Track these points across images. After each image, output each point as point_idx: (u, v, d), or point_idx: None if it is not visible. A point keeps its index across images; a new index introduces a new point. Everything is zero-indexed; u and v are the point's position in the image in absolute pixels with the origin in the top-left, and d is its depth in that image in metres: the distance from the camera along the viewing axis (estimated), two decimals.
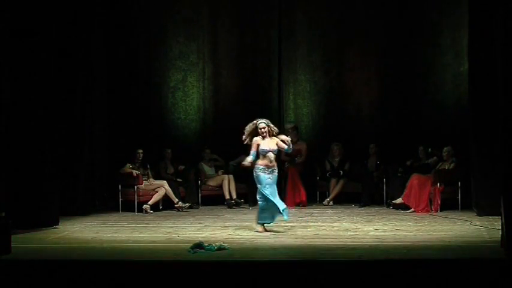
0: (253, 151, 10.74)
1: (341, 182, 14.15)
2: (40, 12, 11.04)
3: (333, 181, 14.16)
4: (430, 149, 13.43)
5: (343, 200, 14.13)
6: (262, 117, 10.97)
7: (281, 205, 10.71)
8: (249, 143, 10.83)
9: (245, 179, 13.95)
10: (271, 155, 10.76)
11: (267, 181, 10.67)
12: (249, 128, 10.85)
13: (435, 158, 13.28)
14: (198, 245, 9.17)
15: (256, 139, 10.75)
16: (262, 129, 10.76)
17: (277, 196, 10.81)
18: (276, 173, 10.81)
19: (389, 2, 14.73)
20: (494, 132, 10.61)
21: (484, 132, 11.80)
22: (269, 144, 10.76)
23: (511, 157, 8.66)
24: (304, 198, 13.85)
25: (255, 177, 10.79)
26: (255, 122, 10.87)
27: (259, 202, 10.76)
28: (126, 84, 14.77)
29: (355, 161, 14.32)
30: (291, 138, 14.35)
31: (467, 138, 12.50)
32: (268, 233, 10.59)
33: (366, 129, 14.88)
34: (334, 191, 14.14)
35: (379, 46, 14.87)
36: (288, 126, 14.41)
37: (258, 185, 10.72)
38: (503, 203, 8.75)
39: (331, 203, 14.03)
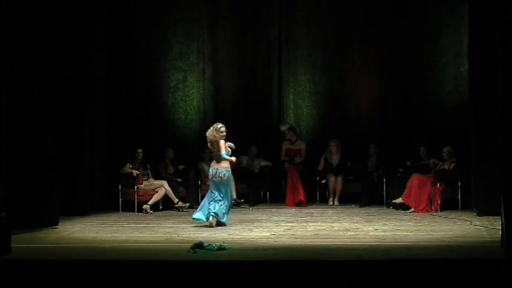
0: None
1: (340, 179, 14.10)
2: (40, 11, 11.03)
3: (332, 180, 14.11)
4: (409, 163, 13.48)
5: (343, 200, 14.10)
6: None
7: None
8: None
9: (245, 179, 13.98)
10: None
11: None
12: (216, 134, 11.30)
13: (433, 160, 13.27)
14: (198, 245, 9.17)
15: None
16: (224, 133, 11.36)
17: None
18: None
19: (389, 2, 14.72)
20: (494, 132, 10.60)
21: (484, 132, 11.79)
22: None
23: (511, 157, 8.66)
24: (303, 198, 13.80)
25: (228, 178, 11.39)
26: (216, 126, 11.33)
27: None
28: (126, 84, 14.75)
29: (355, 161, 14.31)
30: (289, 139, 14.45)
31: (467, 138, 12.50)
32: (268, 233, 10.60)
33: (366, 129, 14.86)
34: (337, 190, 14.08)
35: (379, 46, 14.83)
36: (283, 127, 14.38)
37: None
38: (503, 203, 8.76)
39: (336, 202, 13.98)
